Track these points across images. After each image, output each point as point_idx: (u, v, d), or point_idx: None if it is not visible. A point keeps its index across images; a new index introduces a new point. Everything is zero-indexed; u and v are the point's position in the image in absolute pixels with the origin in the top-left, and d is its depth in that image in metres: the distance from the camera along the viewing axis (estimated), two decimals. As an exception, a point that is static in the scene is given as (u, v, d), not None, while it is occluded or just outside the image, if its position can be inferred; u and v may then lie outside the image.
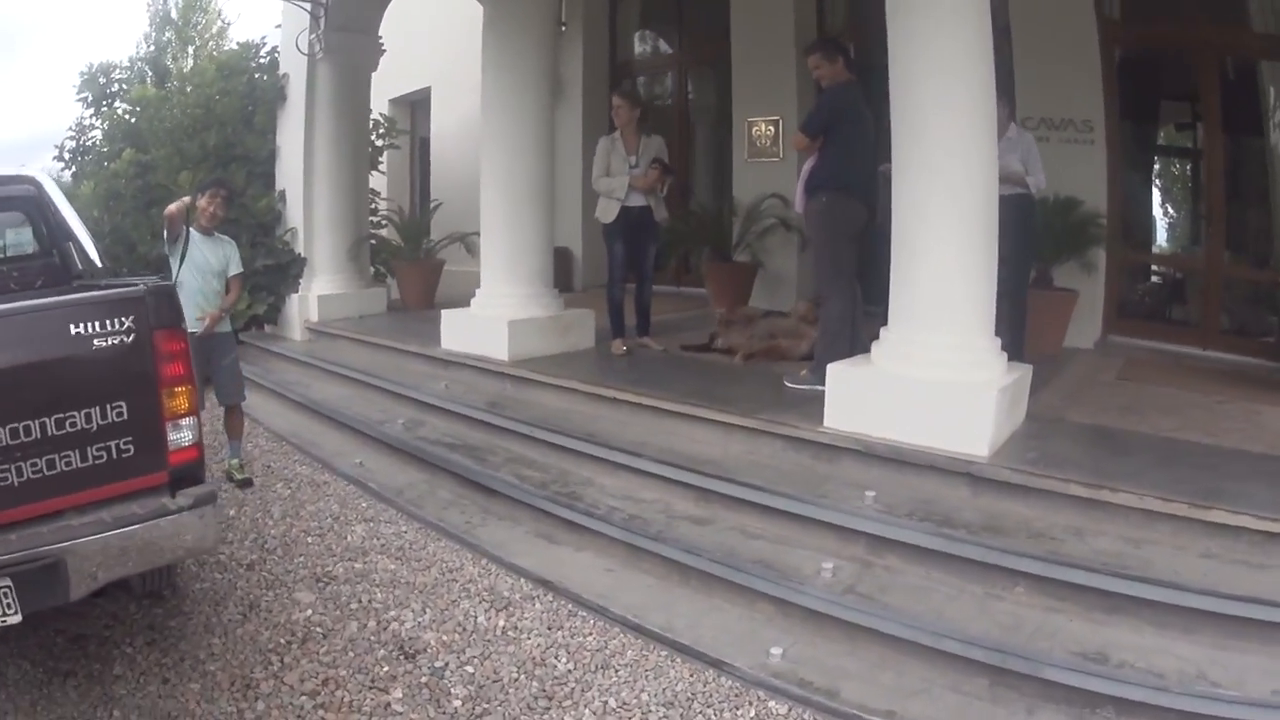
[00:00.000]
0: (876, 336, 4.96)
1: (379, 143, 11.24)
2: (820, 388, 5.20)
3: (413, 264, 10.40)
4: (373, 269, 10.46)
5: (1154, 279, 8.85)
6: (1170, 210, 8.87)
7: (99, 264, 5.36)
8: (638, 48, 12.09)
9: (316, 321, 9.13)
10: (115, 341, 3.20)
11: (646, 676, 3.68)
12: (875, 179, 5.68)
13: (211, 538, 3.45)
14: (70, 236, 5.43)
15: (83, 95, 10.54)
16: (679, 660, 3.78)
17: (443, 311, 7.43)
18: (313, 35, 9.09)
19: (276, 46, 10.03)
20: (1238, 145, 7.68)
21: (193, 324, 5.32)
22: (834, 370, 4.91)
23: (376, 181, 11.51)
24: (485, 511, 5.30)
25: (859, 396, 4.77)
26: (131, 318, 3.22)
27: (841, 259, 5.61)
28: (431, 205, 12.59)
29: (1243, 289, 7.94)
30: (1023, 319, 6.61)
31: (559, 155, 11.15)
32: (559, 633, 4.03)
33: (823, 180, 5.57)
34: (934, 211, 4.61)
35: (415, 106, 14.33)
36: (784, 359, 6.63)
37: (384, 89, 12.69)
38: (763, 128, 9.58)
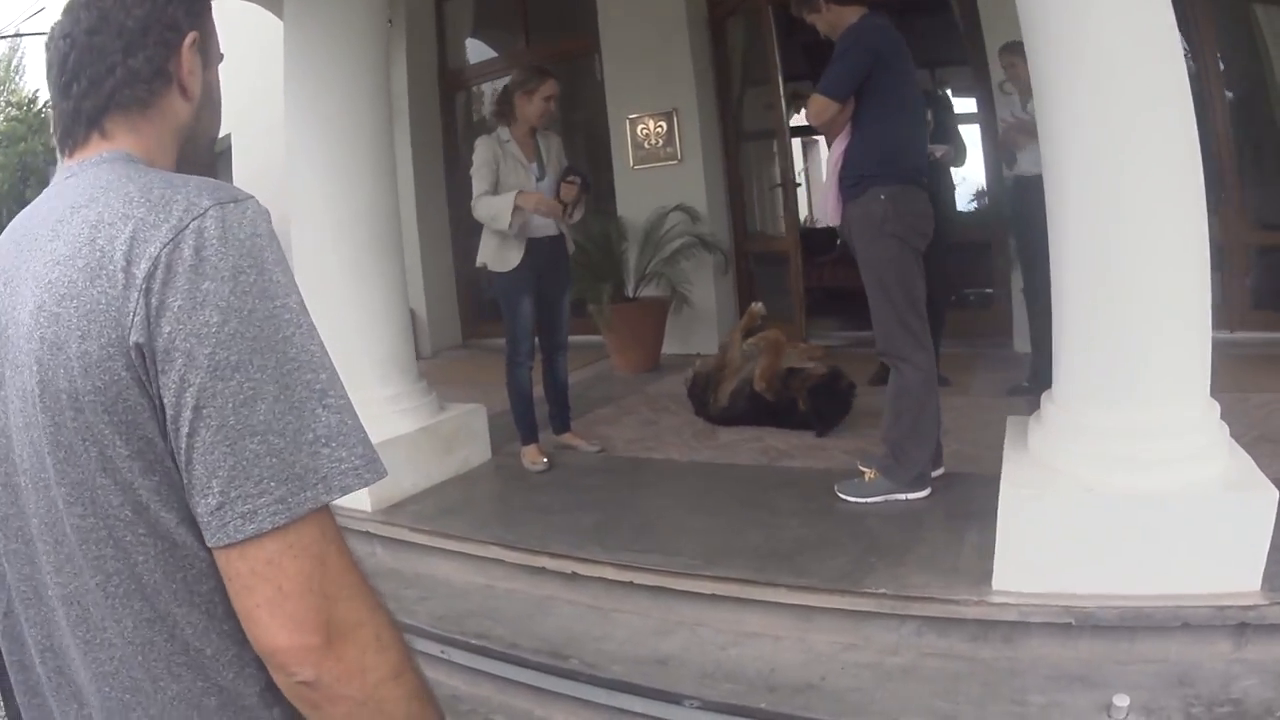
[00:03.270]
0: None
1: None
2: (902, 496, 3.35)
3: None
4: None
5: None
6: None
7: None
8: (473, 47, 9.56)
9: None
10: None
11: None
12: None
13: None
14: None
15: None
16: None
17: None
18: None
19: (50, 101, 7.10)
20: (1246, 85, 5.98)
21: None
22: (1011, 499, 2.66)
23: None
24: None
25: (1053, 534, 2.63)
26: None
27: (914, 291, 3.40)
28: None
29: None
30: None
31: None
32: None
33: (871, 167, 3.35)
34: (1143, 198, 2.58)
35: (218, 159, 11.37)
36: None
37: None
38: (651, 126, 7.27)
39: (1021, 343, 5.83)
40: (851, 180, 3.38)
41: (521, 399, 4.49)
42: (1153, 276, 2.58)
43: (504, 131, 4.35)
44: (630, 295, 7.07)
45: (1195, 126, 2.61)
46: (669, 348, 7.07)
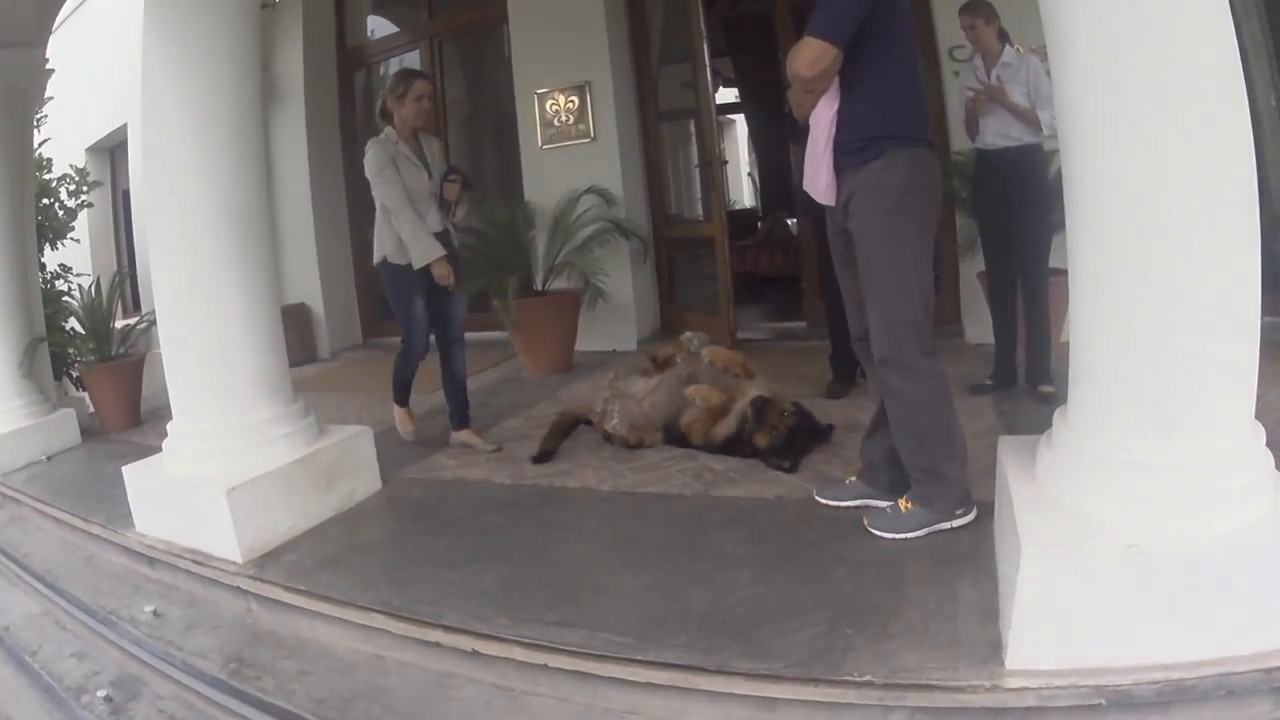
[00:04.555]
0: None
1: (70, 202, 7.29)
2: (947, 525, 2.85)
3: (100, 368, 6.39)
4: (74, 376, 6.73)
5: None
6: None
7: None
8: (374, 22, 8.73)
9: (-7, 476, 5.33)
10: None
11: None
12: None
13: None
14: None
15: None
16: None
17: (124, 469, 3.84)
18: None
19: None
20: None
21: None
22: (1037, 560, 2.05)
23: (72, 254, 7.49)
24: None
25: (1086, 599, 2.05)
26: None
27: (929, 281, 2.85)
28: (117, 277, 8.76)
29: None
30: (1046, 327, 4.27)
31: (279, 178, 7.82)
32: None
33: (884, 125, 2.72)
34: (1188, 174, 2.03)
35: (115, 152, 10.36)
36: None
37: (78, 136, 9.49)
38: (562, 101, 6.58)
39: (974, 333, 5.32)
40: (859, 144, 2.72)
41: (403, 379, 4.57)
42: (1203, 269, 2.02)
43: (391, 133, 4.17)
44: (539, 289, 6.38)
45: (1246, 105, 2.04)
46: (583, 344, 6.44)
